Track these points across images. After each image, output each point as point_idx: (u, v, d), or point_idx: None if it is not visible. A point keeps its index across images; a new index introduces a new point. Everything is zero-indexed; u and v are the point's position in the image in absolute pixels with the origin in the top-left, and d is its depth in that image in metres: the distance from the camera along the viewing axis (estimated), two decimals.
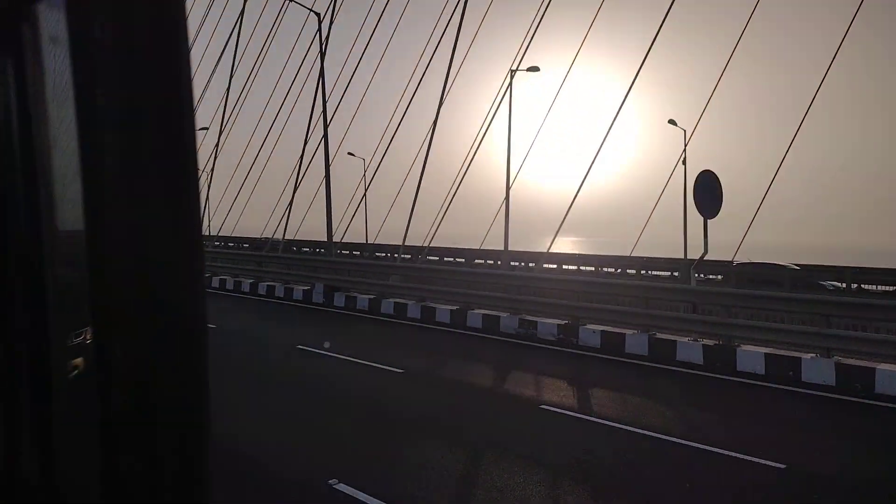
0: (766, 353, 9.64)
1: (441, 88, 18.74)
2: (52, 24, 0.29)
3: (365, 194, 23.19)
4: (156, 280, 0.34)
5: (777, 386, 8.84)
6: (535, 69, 19.58)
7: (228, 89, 25.03)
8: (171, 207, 0.34)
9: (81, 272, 0.34)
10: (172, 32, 0.31)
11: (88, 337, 0.34)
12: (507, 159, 16.54)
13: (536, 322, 12.70)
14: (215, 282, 20.51)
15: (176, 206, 0.34)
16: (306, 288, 17.99)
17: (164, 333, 0.34)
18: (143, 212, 0.34)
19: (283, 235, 22.51)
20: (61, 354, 0.33)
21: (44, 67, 0.30)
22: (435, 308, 14.72)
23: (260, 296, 19.05)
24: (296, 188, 21.16)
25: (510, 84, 18.44)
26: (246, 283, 19.92)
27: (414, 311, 15.00)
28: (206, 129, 25.87)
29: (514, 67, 18.52)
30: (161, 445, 0.35)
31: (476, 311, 13.83)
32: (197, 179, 0.34)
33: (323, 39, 19.87)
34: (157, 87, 0.30)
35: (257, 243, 26.62)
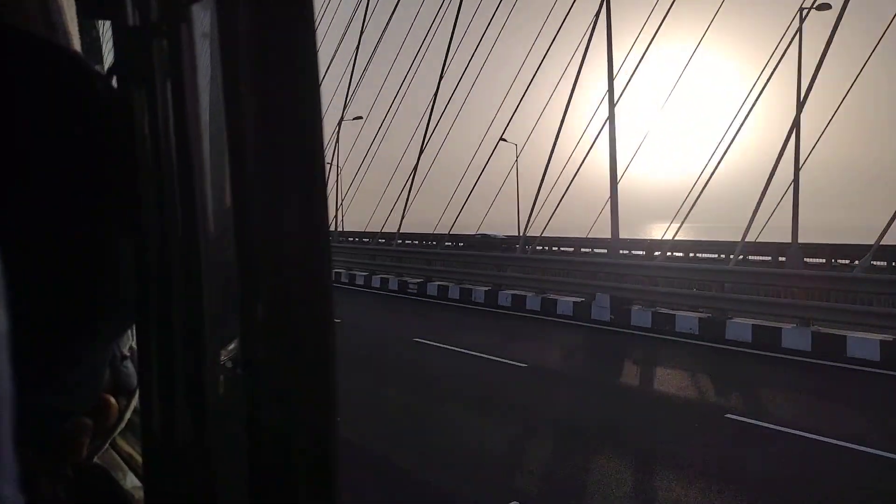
0: None
1: (557, 88, 18.32)
2: (204, 23, 0.31)
3: (518, 185, 22.83)
4: (291, 283, 0.34)
5: None
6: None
7: (351, 81, 26.23)
8: (303, 206, 0.34)
9: (226, 275, 0.35)
10: (304, 30, 0.31)
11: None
12: (610, 147, 15.65)
13: (674, 315, 11.97)
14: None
15: (307, 204, 0.34)
16: (419, 281, 18.28)
17: (297, 334, 0.35)
18: (282, 213, 0.34)
19: (399, 228, 23.12)
20: (215, 357, 0.35)
21: (197, 66, 0.32)
22: (556, 300, 14.30)
23: (374, 288, 19.61)
24: (410, 181, 21.68)
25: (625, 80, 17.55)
26: (360, 276, 20.64)
27: (533, 302, 14.65)
28: (361, 118, 26.84)
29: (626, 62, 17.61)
30: (298, 442, 0.35)
31: (601, 303, 13.30)
32: (324, 177, 0.34)
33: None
34: (290, 86, 0.30)
35: (375, 238, 27.72)
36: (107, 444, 0.56)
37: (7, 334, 0.21)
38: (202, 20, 0.31)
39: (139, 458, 0.61)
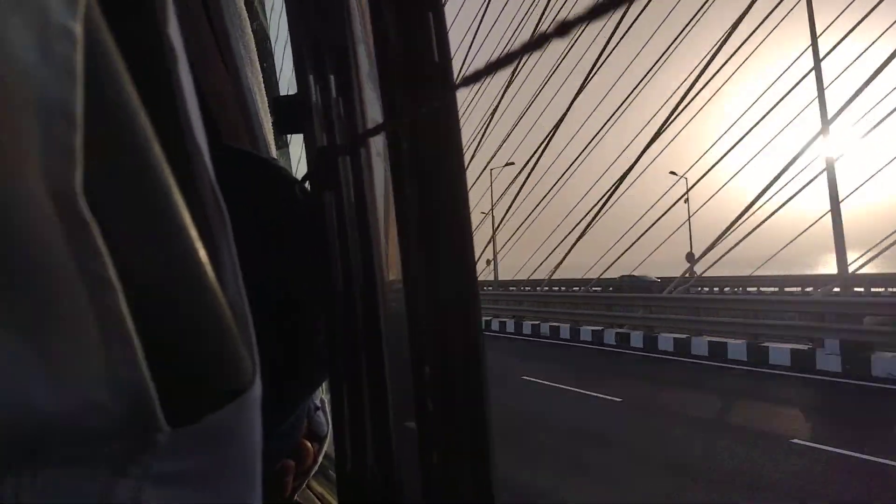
0: None
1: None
2: (377, 145, 0.41)
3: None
4: (449, 347, 0.41)
5: None
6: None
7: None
8: (455, 253, 0.41)
9: (399, 341, 0.43)
10: (455, 155, 0.39)
11: None
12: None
13: (870, 357, 10.20)
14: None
15: (460, 250, 0.41)
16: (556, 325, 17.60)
17: (456, 357, 0.41)
18: (439, 291, 0.41)
19: (551, 274, 22.60)
20: (395, 410, 0.43)
21: (374, 179, 0.42)
22: (725, 343, 12.54)
23: (493, 331, 19.28)
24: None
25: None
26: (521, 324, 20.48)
27: (737, 351, 12.24)
28: (513, 163, 26.95)
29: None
30: (457, 448, 0.41)
31: (782, 344, 11.66)
32: (469, 223, 0.41)
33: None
34: (443, 188, 0.38)
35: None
36: (304, 484, 0.66)
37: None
38: (376, 143, 0.40)
39: (331, 499, 0.71)
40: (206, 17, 0.76)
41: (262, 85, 0.81)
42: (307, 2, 0.52)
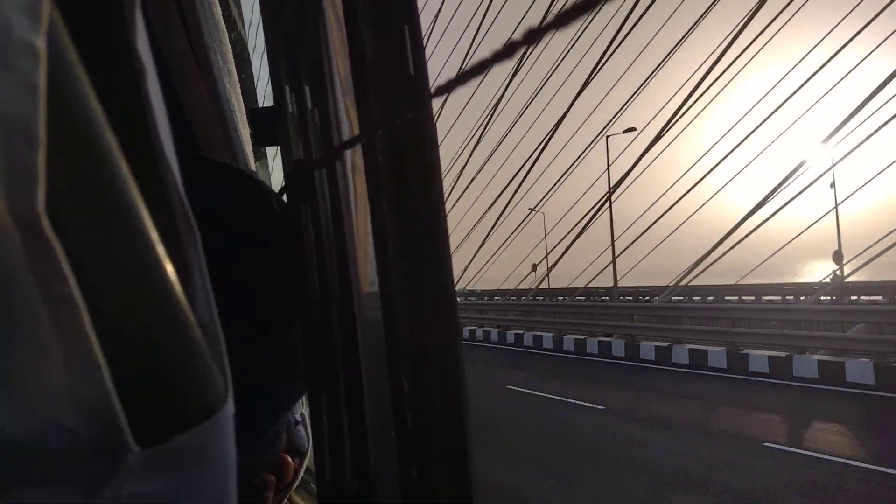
0: None
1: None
2: (354, 158, 0.41)
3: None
4: (424, 328, 0.42)
5: None
6: None
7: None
8: (433, 264, 0.41)
9: (377, 350, 0.43)
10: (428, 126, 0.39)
11: None
12: None
13: None
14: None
15: (438, 262, 0.41)
16: (543, 334, 17.62)
17: (434, 367, 0.42)
18: (415, 272, 0.42)
19: (538, 284, 22.62)
20: (373, 420, 0.43)
21: (349, 192, 0.42)
22: (747, 354, 11.87)
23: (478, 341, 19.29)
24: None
25: None
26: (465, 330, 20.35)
27: (758, 363, 11.64)
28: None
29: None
30: (436, 456, 0.42)
31: (812, 356, 11.15)
32: (447, 234, 0.41)
33: None
34: (420, 198, 0.38)
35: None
36: (285, 499, 0.65)
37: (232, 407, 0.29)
38: (353, 156, 0.40)
39: None
40: (183, 26, 0.75)
41: (241, 96, 0.81)
42: (284, 13, 0.52)
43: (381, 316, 0.42)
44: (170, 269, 0.22)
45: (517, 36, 0.19)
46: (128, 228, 0.21)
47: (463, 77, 0.22)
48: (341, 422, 0.45)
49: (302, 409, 0.64)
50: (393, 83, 0.37)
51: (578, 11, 0.17)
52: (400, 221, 0.38)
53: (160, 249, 0.21)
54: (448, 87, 0.23)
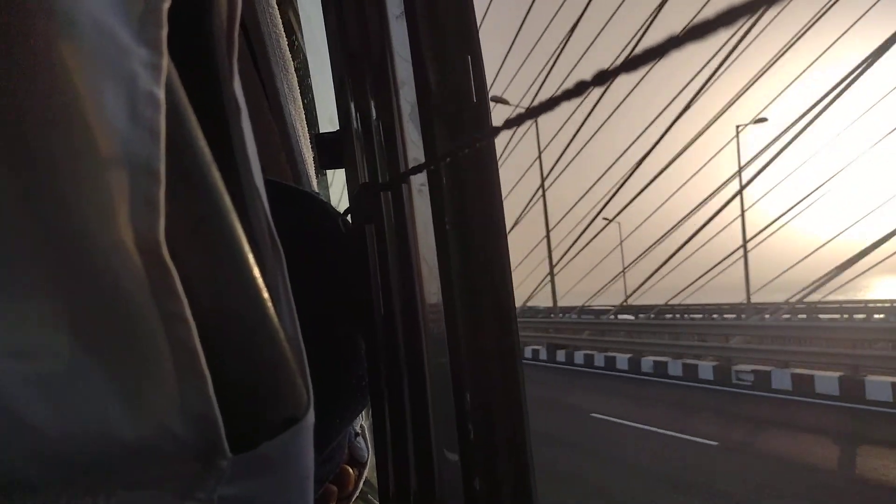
0: None
1: None
2: (418, 183, 0.43)
3: None
4: (487, 344, 0.43)
5: None
6: None
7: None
8: (495, 285, 0.43)
9: (442, 368, 0.45)
10: (491, 187, 0.41)
11: None
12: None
13: None
14: None
15: (499, 283, 0.42)
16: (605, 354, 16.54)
17: (495, 381, 0.43)
18: (478, 291, 0.43)
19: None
20: (437, 435, 0.44)
21: (415, 213, 0.44)
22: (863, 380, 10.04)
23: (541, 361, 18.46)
24: None
25: None
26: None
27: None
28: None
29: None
30: (500, 468, 0.42)
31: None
32: (507, 253, 0.42)
33: None
34: (481, 219, 0.40)
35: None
36: None
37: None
38: (416, 181, 0.42)
39: None
40: (251, 57, 0.80)
41: (304, 121, 0.85)
42: (349, 42, 0.55)
43: (445, 333, 0.44)
44: (262, 288, 0.24)
45: (587, 76, 0.20)
46: (229, 253, 0.23)
47: (533, 112, 0.23)
48: (405, 435, 0.47)
49: (362, 421, 0.66)
50: (456, 112, 0.39)
51: (649, 57, 0.18)
52: (462, 243, 0.40)
53: (255, 272, 0.24)
54: (517, 121, 0.25)
